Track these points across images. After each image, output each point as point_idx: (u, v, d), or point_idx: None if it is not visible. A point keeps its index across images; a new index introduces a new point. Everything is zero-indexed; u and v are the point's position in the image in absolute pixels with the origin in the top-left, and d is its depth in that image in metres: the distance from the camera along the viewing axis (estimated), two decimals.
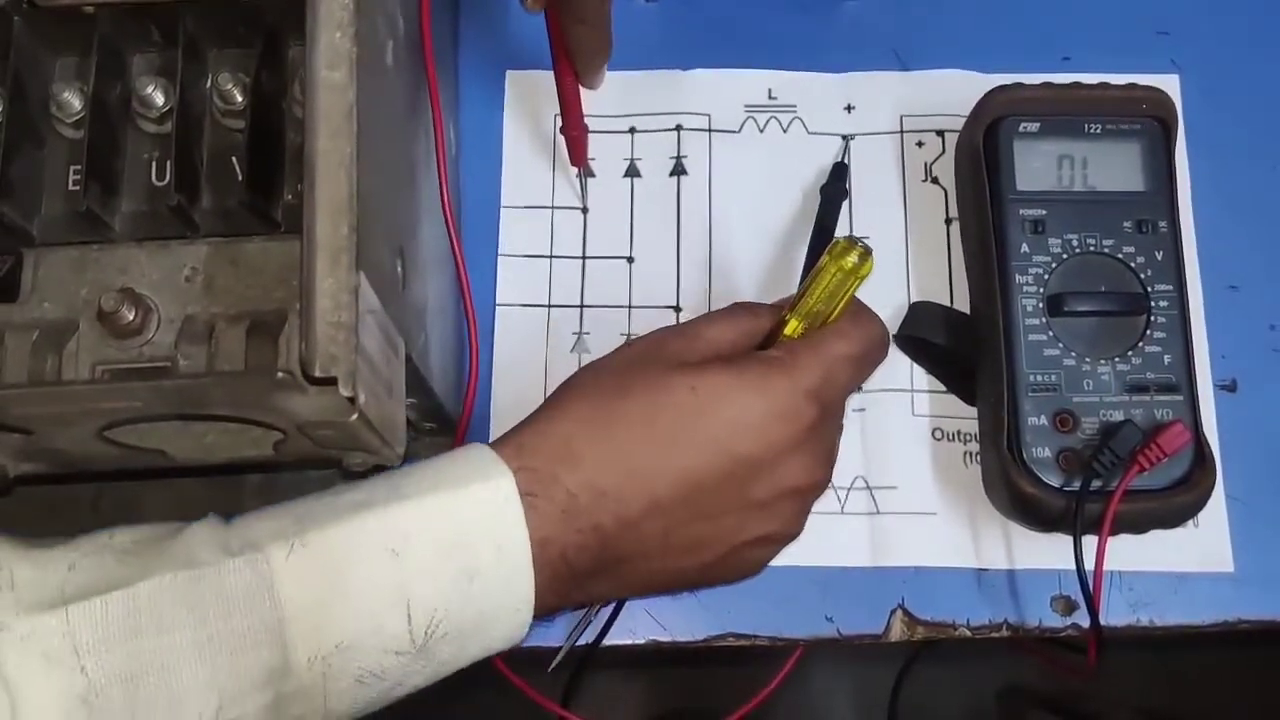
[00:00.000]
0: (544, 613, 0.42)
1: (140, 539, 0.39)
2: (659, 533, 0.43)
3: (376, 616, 0.38)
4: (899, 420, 0.56)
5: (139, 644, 0.36)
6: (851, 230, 0.58)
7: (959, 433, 0.56)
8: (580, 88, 0.55)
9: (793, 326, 0.47)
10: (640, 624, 0.53)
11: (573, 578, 0.42)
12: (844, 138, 0.60)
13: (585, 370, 0.46)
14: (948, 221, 0.59)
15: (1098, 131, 0.55)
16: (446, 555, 0.39)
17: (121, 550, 0.38)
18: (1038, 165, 0.54)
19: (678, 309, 0.57)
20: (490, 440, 0.44)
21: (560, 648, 0.52)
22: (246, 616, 0.37)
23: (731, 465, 0.43)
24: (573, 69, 0.53)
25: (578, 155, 0.57)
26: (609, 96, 0.59)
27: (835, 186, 0.58)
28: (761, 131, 0.60)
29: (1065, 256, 0.53)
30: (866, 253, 0.45)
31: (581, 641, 0.52)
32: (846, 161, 0.59)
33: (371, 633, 0.38)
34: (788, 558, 0.53)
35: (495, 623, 0.41)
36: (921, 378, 0.57)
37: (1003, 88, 0.55)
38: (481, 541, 0.40)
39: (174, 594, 0.37)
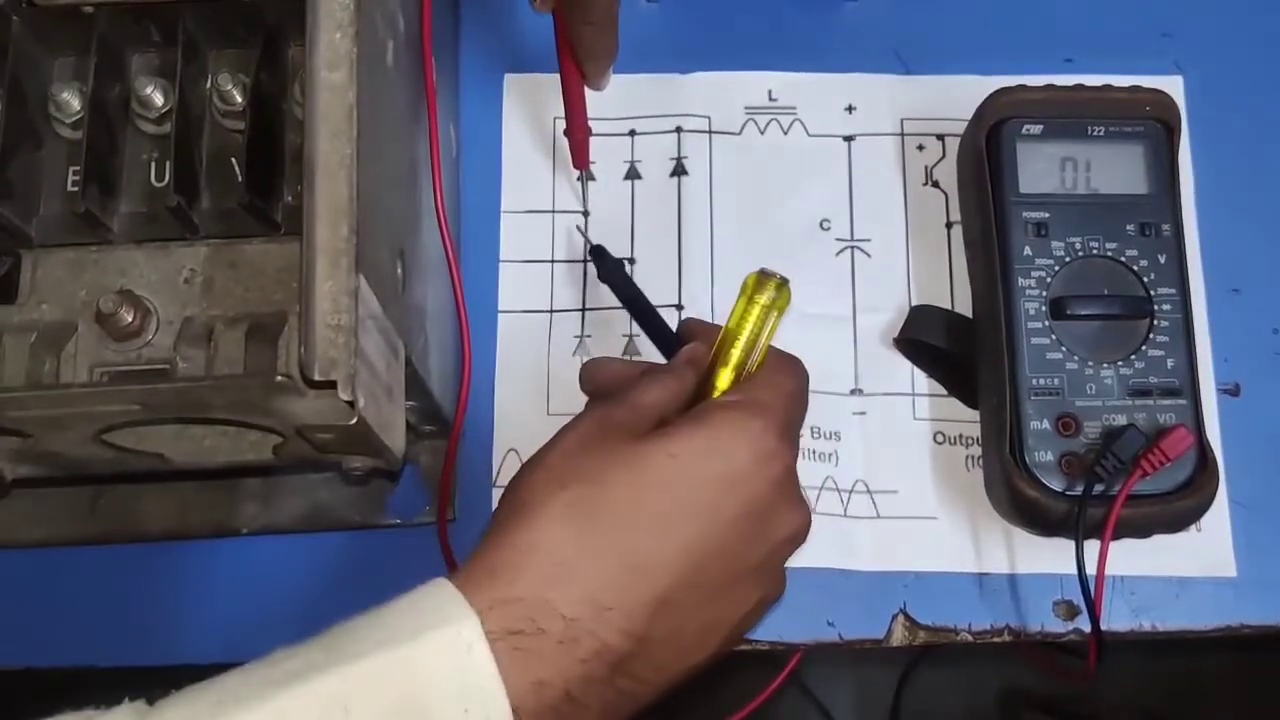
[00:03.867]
0: None
1: None
2: (670, 634, 0.38)
3: None
4: (900, 424, 0.56)
5: None
6: (853, 232, 0.58)
7: (960, 437, 0.56)
8: (584, 89, 0.55)
9: (724, 378, 0.43)
10: None
11: (585, 717, 0.36)
12: (845, 139, 0.60)
13: (533, 467, 0.40)
14: (948, 225, 0.58)
15: (1101, 134, 0.54)
16: None
17: None
18: (1040, 167, 0.54)
19: (679, 307, 0.57)
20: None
21: None
22: None
23: (727, 528, 0.39)
24: (579, 70, 0.53)
25: (580, 157, 0.57)
26: (610, 99, 0.59)
27: (606, 266, 0.52)
28: (762, 133, 0.60)
29: (1068, 259, 0.53)
30: (783, 283, 0.43)
31: None
32: (598, 244, 0.53)
33: None
34: (789, 561, 0.53)
35: None
36: (923, 381, 0.56)
37: (1005, 90, 0.55)
38: (445, 706, 0.34)
39: None
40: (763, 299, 0.43)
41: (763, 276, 0.43)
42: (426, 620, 0.35)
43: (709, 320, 0.53)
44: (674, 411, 0.42)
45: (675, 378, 0.43)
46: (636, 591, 0.37)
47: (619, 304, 0.56)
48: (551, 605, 0.36)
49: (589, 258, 0.54)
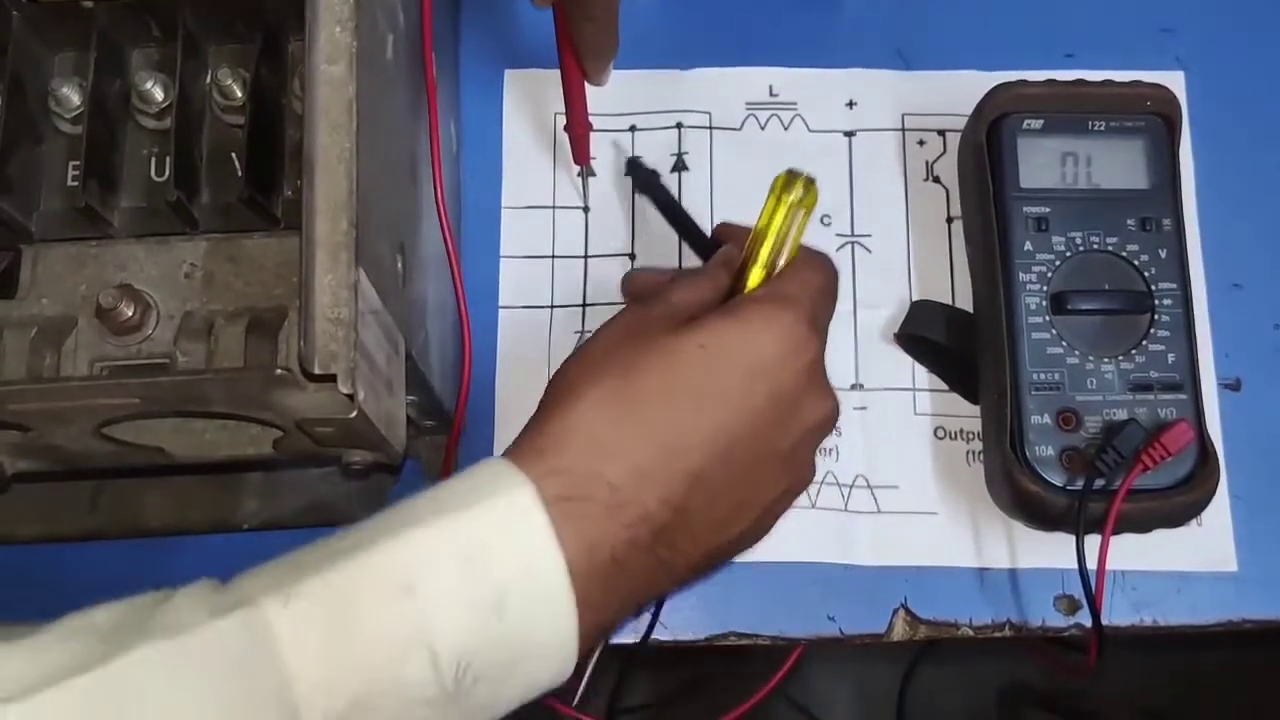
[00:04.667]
0: (597, 632, 0.38)
1: (122, 613, 0.35)
2: (704, 508, 0.40)
3: (395, 664, 0.34)
4: (901, 419, 0.56)
5: None
6: (853, 227, 0.58)
7: (961, 431, 0.56)
8: (585, 85, 0.55)
9: (756, 276, 0.45)
10: (641, 622, 0.53)
11: (628, 583, 0.39)
12: (845, 135, 0.60)
13: (574, 361, 0.43)
14: (949, 220, 0.58)
15: (1101, 129, 0.54)
16: (467, 586, 0.35)
17: (100, 628, 0.34)
18: (1041, 163, 0.54)
19: None
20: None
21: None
22: (244, 681, 0.33)
23: (757, 413, 0.41)
24: (579, 66, 0.53)
25: (581, 153, 0.57)
26: (609, 95, 0.59)
27: (642, 177, 0.56)
28: (763, 129, 0.60)
29: (1069, 254, 0.53)
30: (810, 182, 0.44)
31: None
32: (635, 155, 0.58)
33: (393, 683, 0.34)
34: (790, 555, 0.53)
35: (538, 653, 0.37)
36: (923, 376, 0.56)
37: (1006, 85, 0.55)
38: (506, 565, 0.36)
39: (158, 667, 0.32)
40: (790, 197, 0.44)
41: (790, 175, 0.44)
42: (484, 490, 0.37)
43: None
44: (707, 309, 0.43)
45: (708, 277, 0.45)
46: (671, 466, 0.39)
47: (620, 300, 0.57)
48: (599, 475, 0.38)
49: (626, 171, 0.57)
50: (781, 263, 0.44)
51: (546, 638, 0.37)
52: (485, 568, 0.36)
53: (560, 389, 0.41)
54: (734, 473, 0.41)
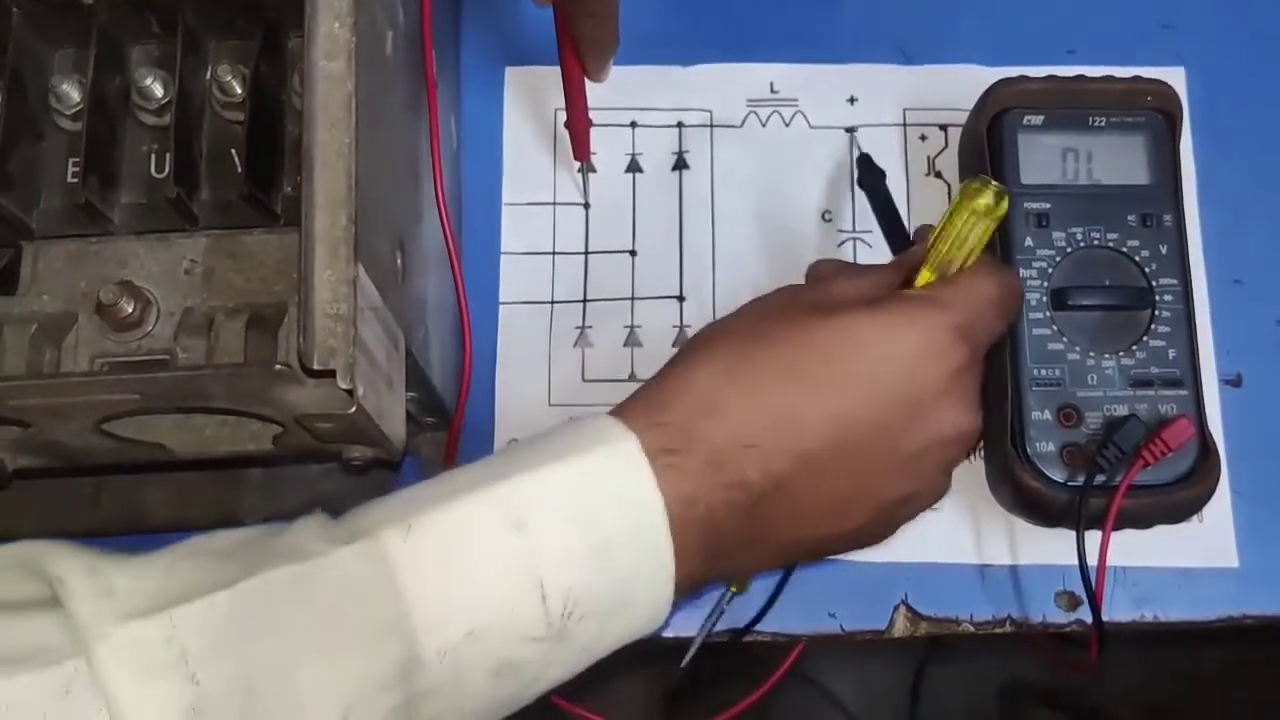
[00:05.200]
0: (689, 585, 0.39)
1: (241, 539, 0.36)
2: (808, 490, 0.40)
3: (508, 599, 0.36)
4: None
5: (251, 647, 0.33)
6: (855, 224, 0.58)
7: None
8: (585, 81, 0.55)
9: (924, 277, 0.44)
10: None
11: (720, 543, 0.39)
12: (847, 130, 0.60)
13: (713, 325, 0.43)
14: None
15: (1102, 125, 0.54)
16: (575, 526, 0.37)
17: (222, 552, 0.35)
18: (1042, 158, 0.54)
19: (681, 298, 0.57)
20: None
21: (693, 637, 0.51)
22: (365, 609, 0.34)
23: (881, 409, 0.40)
24: (579, 62, 0.53)
25: (581, 150, 0.57)
26: (610, 91, 0.58)
27: (871, 175, 0.57)
28: (764, 125, 0.60)
29: (1069, 250, 0.53)
30: (1002, 193, 0.43)
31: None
32: (864, 150, 0.59)
33: (504, 617, 0.36)
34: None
35: (637, 597, 0.38)
36: None
37: (1006, 80, 0.55)
38: (612, 509, 0.37)
39: (283, 590, 0.34)
40: (975, 204, 0.43)
41: (980, 183, 0.44)
42: (590, 439, 0.38)
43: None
44: (864, 302, 0.43)
45: (877, 273, 0.45)
46: (780, 440, 0.39)
47: (621, 296, 0.57)
48: (701, 433, 0.39)
49: (855, 166, 0.58)
50: (954, 269, 0.44)
51: (646, 581, 0.38)
52: (593, 512, 0.37)
53: (689, 348, 0.42)
54: (848, 463, 0.40)
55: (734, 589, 0.51)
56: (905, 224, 0.56)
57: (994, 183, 0.44)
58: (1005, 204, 0.43)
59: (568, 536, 0.37)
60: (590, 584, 0.37)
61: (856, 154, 0.58)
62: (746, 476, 0.39)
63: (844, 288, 0.44)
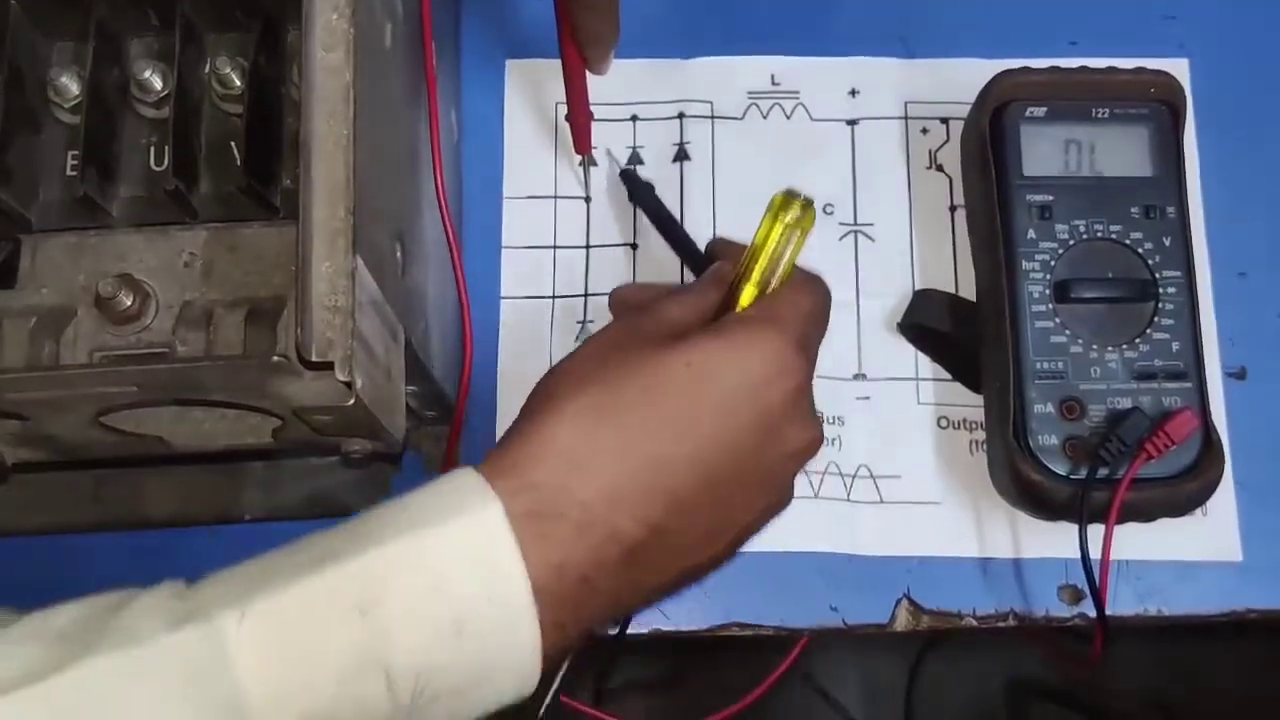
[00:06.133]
0: (562, 647, 0.38)
1: (82, 615, 0.34)
2: (680, 528, 0.39)
3: (350, 684, 0.34)
4: (904, 409, 0.56)
5: None
6: (856, 216, 0.58)
7: (964, 421, 0.55)
8: (586, 74, 0.55)
9: (748, 294, 0.44)
10: (643, 614, 0.53)
11: (596, 601, 0.38)
12: (848, 123, 0.59)
13: (557, 371, 0.42)
14: (952, 209, 0.58)
15: (1105, 116, 0.54)
16: (425, 607, 0.35)
17: (58, 633, 0.34)
18: (1045, 150, 0.54)
19: None
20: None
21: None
22: (196, 694, 0.33)
23: (739, 436, 0.40)
24: (580, 55, 0.52)
25: (582, 143, 0.57)
26: (611, 84, 0.58)
27: (638, 190, 0.57)
28: (765, 118, 0.60)
29: (1072, 242, 0.53)
30: (808, 204, 0.43)
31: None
32: (629, 166, 0.59)
33: (348, 701, 0.34)
34: (793, 545, 0.53)
35: (497, 675, 0.36)
36: (926, 366, 0.56)
37: (1009, 72, 0.54)
38: (469, 584, 0.35)
39: (111, 678, 0.32)
40: (787, 218, 0.43)
41: (788, 196, 0.43)
42: (450, 505, 0.36)
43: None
44: (696, 326, 0.43)
45: (698, 294, 0.44)
46: (649, 485, 0.38)
47: None
48: (570, 491, 0.37)
49: (621, 180, 0.58)
50: (774, 283, 0.44)
51: (507, 658, 0.36)
52: (446, 588, 0.35)
53: (541, 400, 0.40)
54: (713, 494, 0.40)
55: None
56: (688, 233, 0.55)
57: (800, 194, 0.43)
58: (812, 214, 0.43)
59: (418, 617, 0.35)
60: (445, 665, 0.35)
61: (617, 171, 0.58)
62: (619, 528, 0.38)
63: (675, 312, 0.43)
